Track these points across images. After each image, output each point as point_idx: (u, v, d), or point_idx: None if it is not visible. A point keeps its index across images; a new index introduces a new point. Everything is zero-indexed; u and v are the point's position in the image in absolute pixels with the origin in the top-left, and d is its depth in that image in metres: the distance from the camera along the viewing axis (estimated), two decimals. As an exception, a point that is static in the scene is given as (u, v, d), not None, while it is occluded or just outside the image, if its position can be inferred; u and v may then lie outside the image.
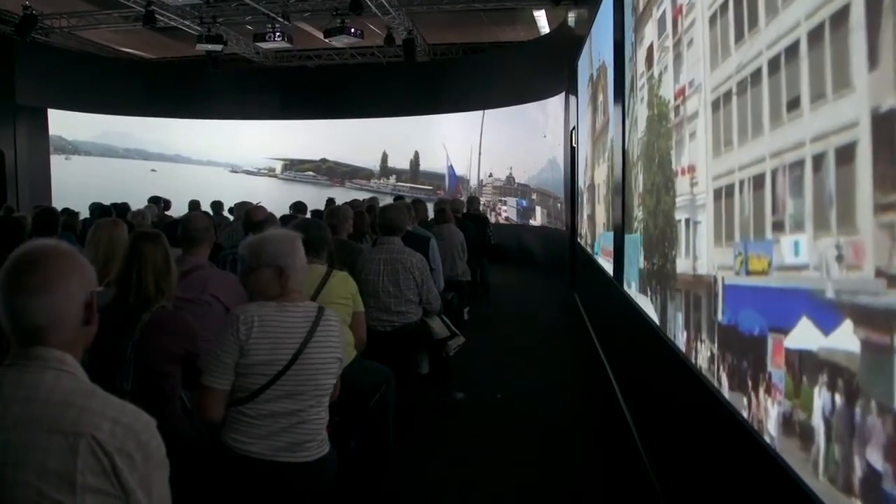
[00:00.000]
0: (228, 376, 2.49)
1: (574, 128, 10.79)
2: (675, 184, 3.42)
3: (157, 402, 2.67)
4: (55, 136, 17.18)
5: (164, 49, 17.39)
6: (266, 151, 18.63)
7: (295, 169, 18.68)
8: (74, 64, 15.71)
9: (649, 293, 4.23)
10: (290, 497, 2.56)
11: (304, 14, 14.00)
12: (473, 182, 16.80)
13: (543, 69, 13.22)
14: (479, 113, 16.10)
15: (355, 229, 5.81)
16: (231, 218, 8.94)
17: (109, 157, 18.24)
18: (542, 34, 14.99)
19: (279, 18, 13.53)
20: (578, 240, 10.16)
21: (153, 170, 18.17)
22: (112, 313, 2.60)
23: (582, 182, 9.70)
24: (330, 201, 10.02)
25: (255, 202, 6.60)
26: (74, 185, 14.73)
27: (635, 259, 4.73)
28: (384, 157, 17.98)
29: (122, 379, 2.62)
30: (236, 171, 18.50)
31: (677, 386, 3.48)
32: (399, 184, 17.88)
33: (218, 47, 14.61)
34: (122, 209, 8.70)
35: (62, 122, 16.92)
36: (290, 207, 8.81)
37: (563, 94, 12.28)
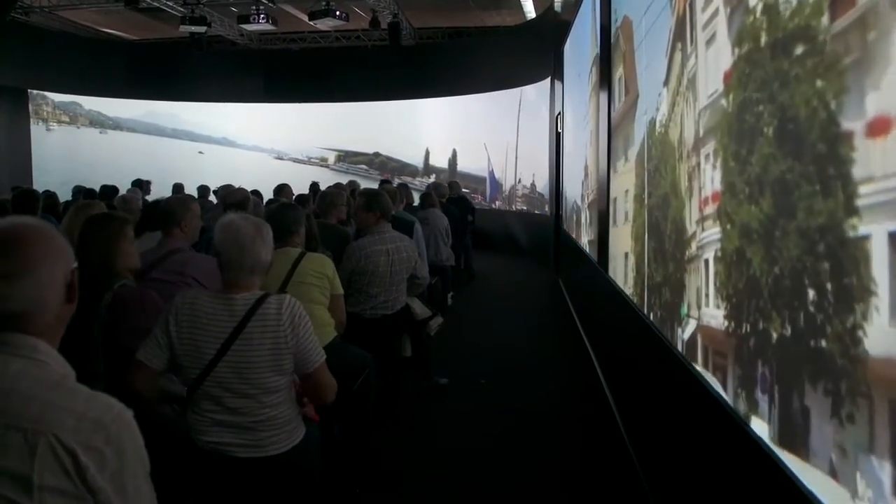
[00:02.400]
0: (160, 357, 2.48)
1: (560, 113, 10.77)
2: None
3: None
4: (94, 111, 17.58)
5: (147, 30, 17.19)
6: (319, 141, 18.12)
7: (349, 161, 18.16)
8: (55, 44, 15.51)
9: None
10: (266, 489, 2.54)
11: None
12: (507, 187, 15.27)
13: (530, 54, 13.17)
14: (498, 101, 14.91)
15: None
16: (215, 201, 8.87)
17: (156, 136, 18.34)
18: (529, 19, 14.93)
19: (264, 0, 13.41)
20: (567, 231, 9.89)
21: (200, 152, 18.12)
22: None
23: (577, 191, 8.03)
24: (314, 185, 9.98)
25: (236, 185, 6.55)
26: (108, 160, 14.60)
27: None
28: (427, 155, 17.17)
29: (93, 361, 2.59)
30: (281, 159, 18.13)
31: (659, 369, 3.50)
32: (439, 183, 16.42)
33: (202, 29, 14.47)
34: (107, 192, 8.63)
35: (103, 100, 17.38)
36: (274, 191, 8.75)
37: (549, 79, 12.24)
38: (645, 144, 3.91)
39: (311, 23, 14.16)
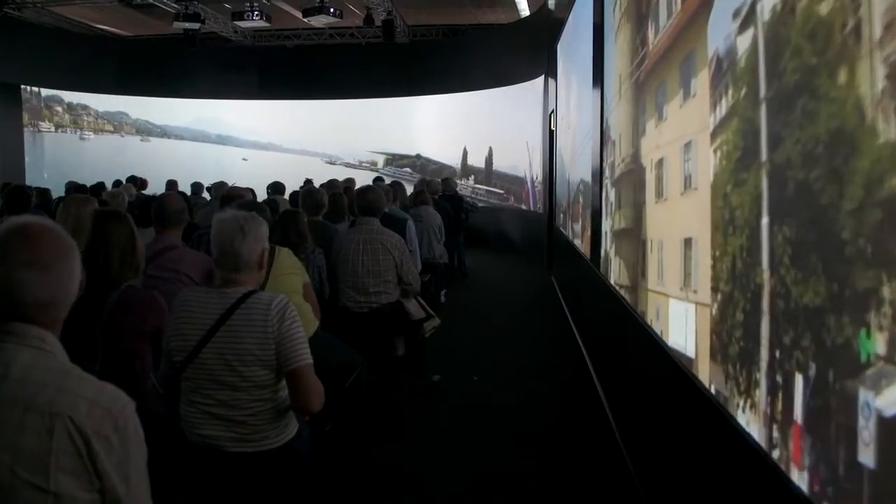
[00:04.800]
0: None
1: (553, 111, 10.79)
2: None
3: (128, 382, 2.65)
4: (141, 119, 17.76)
5: (141, 26, 17.18)
6: (367, 144, 17.70)
7: (395, 164, 17.65)
8: (48, 40, 15.44)
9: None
10: (255, 484, 2.57)
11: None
12: (527, 184, 13.94)
13: (523, 51, 13.18)
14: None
15: (334, 210, 5.79)
16: (209, 198, 8.88)
17: (202, 143, 18.29)
18: (523, 17, 14.95)
19: (257, -3, 13.43)
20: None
21: (244, 158, 17.89)
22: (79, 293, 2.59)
23: (585, 170, 6.41)
24: (307, 182, 9.99)
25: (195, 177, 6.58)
26: (146, 166, 14.36)
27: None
28: (464, 155, 16.22)
29: (90, 359, 2.60)
30: (334, 163, 17.68)
31: (649, 365, 3.53)
32: (477, 186, 15.78)
33: (195, 25, 14.49)
34: (96, 188, 8.63)
35: (154, 107, 17.58)
36: (268, 188, 8.78)
37: (543, 76, 12.25)
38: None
39: (305, 20, 14.19)
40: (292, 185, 9.34)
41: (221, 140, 18.42)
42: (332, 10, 13.46)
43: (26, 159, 15.60)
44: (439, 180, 11.22)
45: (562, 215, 8.86)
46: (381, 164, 17.66)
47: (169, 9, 14.23)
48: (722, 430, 2.22)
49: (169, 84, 16.79)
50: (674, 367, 2.89)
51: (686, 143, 2.71)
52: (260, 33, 17.54)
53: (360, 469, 4.07)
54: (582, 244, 6.62)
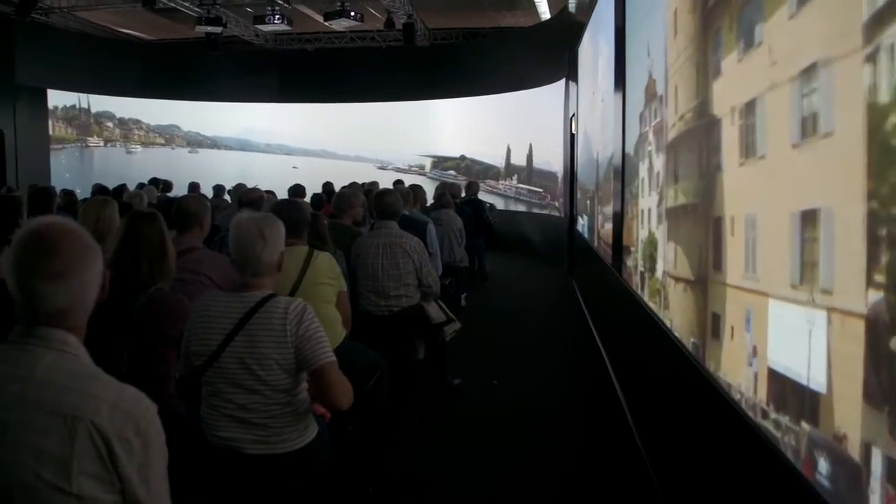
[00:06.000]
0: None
1: (574, 115, 10.74)
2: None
3: (152, 384, 2.67)
4: (192, 131, 18.10)
5: (164, 30, 17.30)
6: (416, 147, 17.53)
7: (440, 167, 17.34)
8: (73, 44, 15.60)
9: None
10: (276, 486, 2.57)
11: (304, -4, 13.96)
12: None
13: (544, 55, 13.12)
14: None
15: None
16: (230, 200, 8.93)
17: (251, 152, 18.42)
18: (543, 20, 14.91)
19: (279, 1, 13.47)
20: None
21: (294, 167, 17.78)
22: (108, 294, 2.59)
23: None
24: (327, 184, 10.01)
25: (250, 185, 6.60)
26: (193, 177, 14.34)
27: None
28: (507, 154, 15.57)
29: (116, 361, 2.61)
30: (385, 168, 17.49)
31: (671, 372, 3.47)
32: (520, 186, 15.13)
33: (217, 29, 14.55)
34: (118, 190, 8.70)
35: (205, 119, 17.90)
36: (288, 191, 8.80)
37: (564, 80, 12.21)
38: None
39: (326, 23, 14.21)
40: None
41: (271, 149, 18.49)
42: (352, 13, 13.49)
43: (65, 175, 15.75)
44: (461, 184, 11.19)
45: (588, 202, 8.46)
46: (427, 167, 17.54)
47: (191, 13, 14.32)
48: (748, 437, 2.19)
49: (191, 87, 16.88)
50: (696, 373, 2.83)
51: (806, 67, 1.84)
52: (281, 37, 17.59)
53: (380, 471, 4.06)
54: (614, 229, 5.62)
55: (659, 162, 3.79)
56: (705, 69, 2.85)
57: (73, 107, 16.65)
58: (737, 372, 2.36)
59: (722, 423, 2.52)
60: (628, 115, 4.91)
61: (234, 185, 8.78)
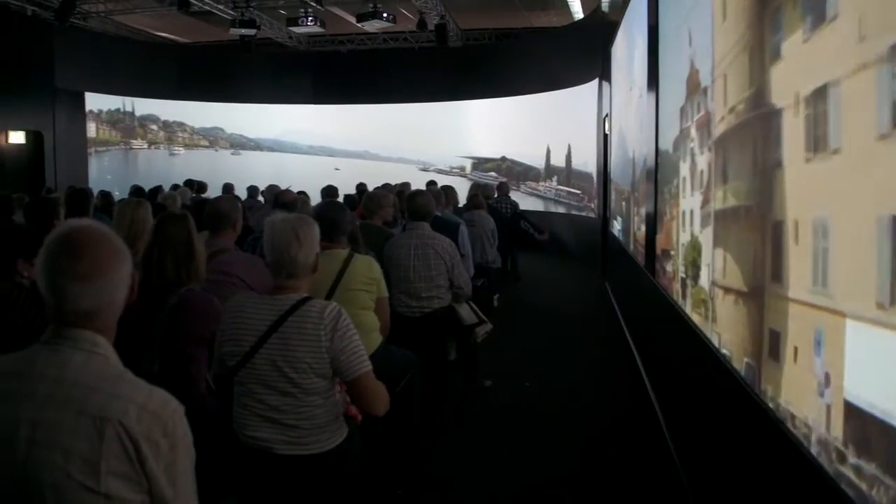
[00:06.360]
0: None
1: (607, 115, 10.66)
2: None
3: (184, 384, 2.70)
4: (235, 134, 18.38)
5: (199, 33, 17.49)
6: (457, 149, 17.36)
7: (480, 168, 17.20)
8: (111, 48, 15.84)
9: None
10: (306, 487, 2.57)
11: (336, -2, 14.02)
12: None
13: (577, 55, 13.05)
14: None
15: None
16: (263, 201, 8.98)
17: (292, 154, 18.58)
18: (576, 20, 14.83)
19: (312, 3, 13.54)
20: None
21: (337, 168, 17.82)
22: (139, 295, 2.61)
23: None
24: (360, 186, 10.03)
25: (283, 186, 6.63)
26: (234, 179, 14.49)
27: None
28: (547, 155, 15.22)
29: (149, 361, 2.63)
30: (427, 170, 17.26)
31: (714, 387, 3.31)
32: (559, 188, 14.80)
33: (251, 31, 14.69)
34: (153, 191, 8.80)
35: (247, 121, 18.05)
36: (322, 192, 8.83)
37: (597, 80, 12.12)
38: None
39: (359, 25, 14.27)
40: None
41: (314, 151, 18.56)
42: (385, 14, 13.53)
43: (107, 177, 15.99)
44: (494, 185, 11.14)
45: (624, 203, 8.28)
46: (468, 168, 17.45)
47: (225, 15, 14.46)
48: (785, 449, 2.13)
49: (226, 89, 17.04)
50: (732, 381, 2.72)
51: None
52: (314, 38, 17.69)
53: (409, 473, 4.05)
54: (661, 232, 5.08)
55: (703, 160, 3.48)
56: (761, 54, 2.51)
57: (118, 110, 16.95)
58: (802, 401, 2.04)
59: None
60: (667, 112, 4.71)
61: (266, 185, 8.85)
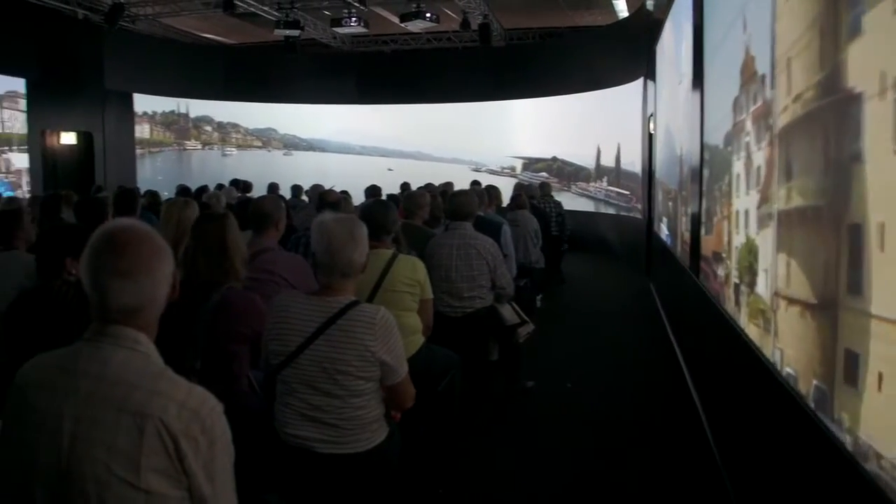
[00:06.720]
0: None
1: (651, 115, 10.54)
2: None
3: (225, 381, 2.73)
4: (288, 134, 18.66)
5: (244, 34, 17.71)
6: (509, 149, 17.17)
7: (531, 168, 16.97)
8: (158, 49, 16.12)
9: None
10: (346, 486, 2.57)
11: (380, -1, 14.08)
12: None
13: (622, 54, 12.93)
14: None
15: (429, 214, 5.77)
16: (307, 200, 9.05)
17: (345, 154, 18.71)
18: (620, 18, 14.70)
19: (355, 3, 13.61)
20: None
21: (390, 169, 17.76)
22: (182, 292, 2.64)
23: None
24: (405, 186, 10.04)
25: (327, 186, 6.67)
26: (285, 179, 14.46)
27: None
28: (598, 155, 14.91)
29: (192, 358, 2.65)
30: (479, 170, 17.09)
31: (754, 385, 3.23)
32: (609, 188, 14.51)
33: (295, 32, 14.83)
34: (199, 191, 8.91)
35: (301, 122, 18.34)
36: (365, 192, 8.85)
37: (642, 79, 11.99)
38: None
39: (402, 25, 14.32)
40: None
41: (366, 151, 18.61)
42: (428, 14, 13.55)
43: (158, 178, 16.27)
44: (538, 184, 11.09)
45: (670, 203, 8.02)
46: (518, 168, 17.30)
47: (270, 17, 14.61)
48: (840, 466, 2.05)
49: (271, 89, 17.21)
50: (781, 390, 2.59)
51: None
52: (358, 39, 17.79)
53: (450, 473, 4.04)
54: (710, 233, 4.73)
55: (760, 155, 3.14)
56: (835, 31, 2.17)
57: (172, 112, 17.29)
58: (890, 436, 1.72)
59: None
60: (716, 106, 4.46)
61: (311, 185, 8.91)
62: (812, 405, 2.29)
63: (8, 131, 13.60)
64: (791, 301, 2.61)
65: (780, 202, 2.79)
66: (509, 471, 4.17)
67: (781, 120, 2.78)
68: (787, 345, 2.66)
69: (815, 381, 2.28)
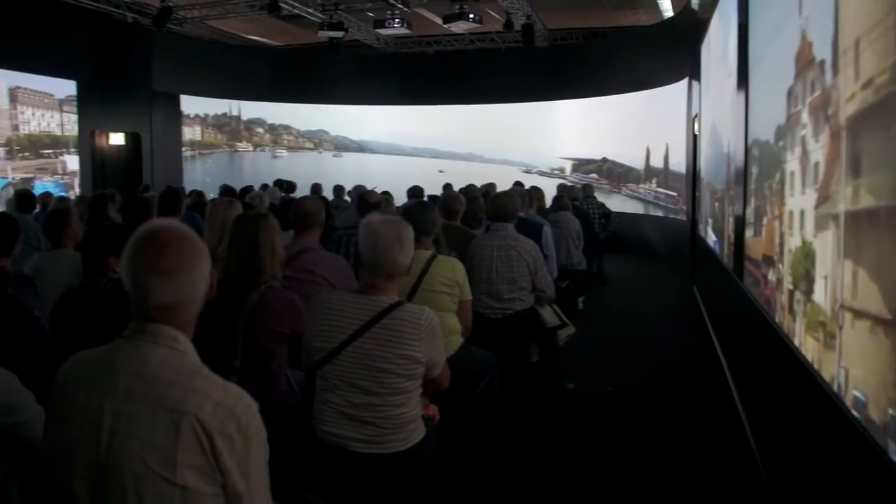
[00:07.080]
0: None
1: (696, 115, 10.40)
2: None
3: (264, 379, 2.75)
4: (340, 136, 18.87)
5: (288, 36, 17.88)
6: (559, 150, 17.01)
7: (581, 170, 16.76)
8: (205, 51, 16.38)
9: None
10: (382, 486, 2.57)
11: (423, 0, 14.07)
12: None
13: (667, 54, 12.77)
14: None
15: (470, 214, 5.75)
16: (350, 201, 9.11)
17: (395, 155, 18.81)
18: (665, 18, 14.53)
19: (398, 5, 13.66)
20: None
21: (441, 170, 17.69)
22: (221, 291, 2.66)
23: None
24: (447, 187, 10.05)
25: (370, 187, 6.70)
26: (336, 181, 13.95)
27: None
28: (647, 156, 14.59)
29: (231, 356, 2.67)
30: (530, 172, 16.92)
31: (800, 392, 3.11)
32: (658, 190, 14.23)
33: (339, 34, 14.95)
34: (244, 191, 9.01)
35: (351, 123, 18.51)
36: (408, 192, 8.88)
37: (686, 80, 11.83)
38: None
39: (445, 26, 14.31)
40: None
41: (418, 152, 18.63)
42: (471, 15, 13.53)
43: (206, 179, 16.50)
44: (580, 186, 11.02)
45: (717, 204, 7.69)
46: (568, 170, 17.12)
47: (314, 18, 14.73)
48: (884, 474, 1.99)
49: (315, 91, 17.35)
50: (826, 398, 2.51)
51: None
52: (401, 40, 17.84)
53: (489, 475, 4.02)
54: (760, 235, 4.42)
55: (819, 149, 2.82)
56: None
57: (224, 114, 17.60)
58: None
59: (853, 454, 2.03)
60: (766, 98, 4.17)
61: (354, 185, 8.97)
62: (880, 430, 2.01)
63: (67, 134, 13.96)
64: (858, 314, 2.29)
65: (846, 202, 2.44)
66: (547, 474, 4.14)
67: (847, 109, 2.44)
68: (854, 364, 2.34)
69: (890, 411, 1.94)
